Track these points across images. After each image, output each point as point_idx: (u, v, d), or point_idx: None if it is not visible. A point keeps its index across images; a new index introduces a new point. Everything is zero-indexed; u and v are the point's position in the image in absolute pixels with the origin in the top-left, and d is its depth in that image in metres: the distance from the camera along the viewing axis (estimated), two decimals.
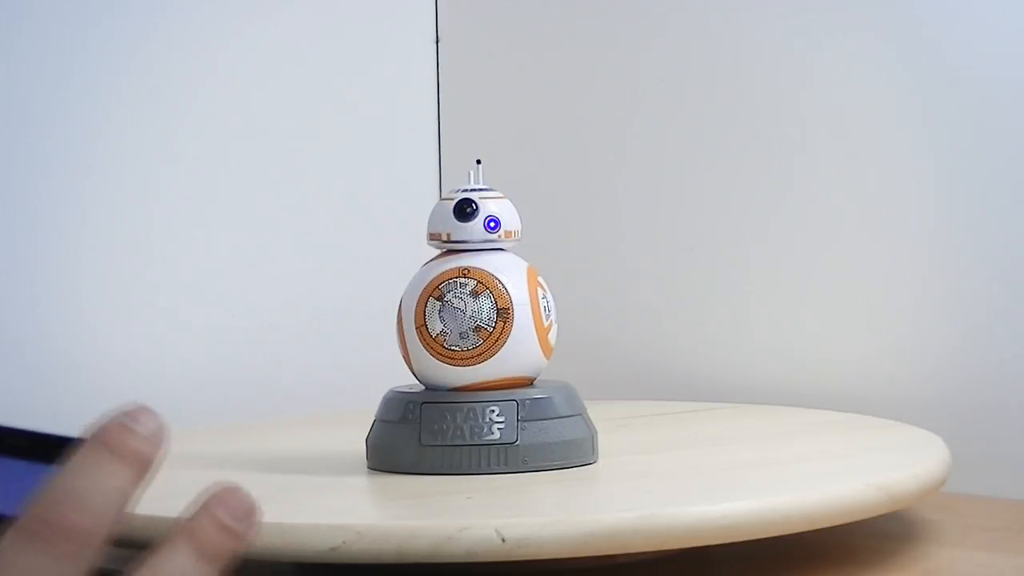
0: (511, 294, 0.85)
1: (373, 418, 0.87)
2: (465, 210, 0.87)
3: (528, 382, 0.87)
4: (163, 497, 0.73)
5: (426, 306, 0.86)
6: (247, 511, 0.47)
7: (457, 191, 0.88)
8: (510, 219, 0.88)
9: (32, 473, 0.46)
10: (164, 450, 0.46)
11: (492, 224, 0.87)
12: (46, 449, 0.47)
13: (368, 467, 0.87)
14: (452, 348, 0.85)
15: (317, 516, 0.74)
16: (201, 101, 1.19)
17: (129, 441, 0.45)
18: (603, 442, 0.87)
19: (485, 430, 0.84)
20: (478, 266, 0.86)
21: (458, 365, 0.85)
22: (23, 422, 0.48)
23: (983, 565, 0.81)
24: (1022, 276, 1.03)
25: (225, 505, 0.46)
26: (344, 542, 0.71)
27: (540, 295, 0.87)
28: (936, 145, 1.06)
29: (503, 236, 0.87)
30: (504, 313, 0.85)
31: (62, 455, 0.46)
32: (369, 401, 0.89)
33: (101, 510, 0.45)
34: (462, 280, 0.85)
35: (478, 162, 0.89)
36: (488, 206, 0.87)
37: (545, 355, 0.87)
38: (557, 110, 1.26)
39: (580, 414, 0.86)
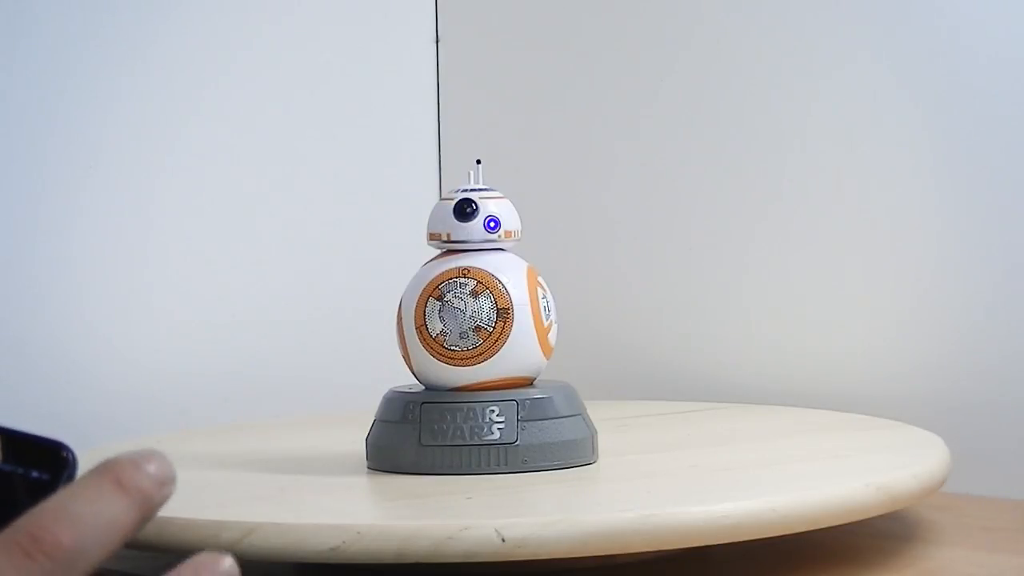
0: (511, 294, 0.85)
1: (373, 418, 0.87)
2: (465, 210, 0.87)
3: (528, 382, 0.87)
4: None
5: (426, 306, 0.85)
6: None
7: (457, 191, 0.88)
8: (510, 219, 0.88)
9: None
10: (168, 496, 0.46)
11: (492, 224, 0.87)
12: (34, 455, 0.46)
13: (368, 467, 0.87)
14: (452, 348, 0.85)
15: (317, 516, 0.74)
16: (201, 101, 1.19)
17: (136, 478, 0.45)
18: (603, 442, 0.87)
19: (485, 430, 0.84)
20: (478, 266, 0.86)
21: (458, 365, 0.85)
22: (23, 422, 0.48)
23: (983, 565, 0.81)
24: (1022, 276, 1.03)
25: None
26: (344, 542, 0.71)
27: (540, 295, 0.87)
28: (936, 145, 1.06)
29: (503, 236, 0.87)
30: (504, 313, 0.85)
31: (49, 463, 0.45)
32: (369, 401, 0.89)
33: (92, 535, 0.44)
34: (462, 280, 0.85)
35: (478, 162, 0.89)
36: (488, 206, 0.87)
37: (545, 355, 0.87)
38: (557, 110, 1.26)
39: (580, 414, 0.86)
